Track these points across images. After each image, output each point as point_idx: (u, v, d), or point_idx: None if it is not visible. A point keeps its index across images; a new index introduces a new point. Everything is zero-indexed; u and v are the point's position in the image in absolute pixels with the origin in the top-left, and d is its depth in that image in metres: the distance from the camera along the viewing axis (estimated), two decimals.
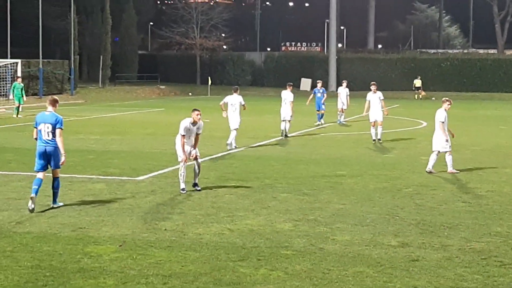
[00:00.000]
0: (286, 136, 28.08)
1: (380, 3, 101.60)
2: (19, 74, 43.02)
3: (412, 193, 15.81)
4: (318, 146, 25.33)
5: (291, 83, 29.23)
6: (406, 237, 11.75)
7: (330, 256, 10.58)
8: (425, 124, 34.93)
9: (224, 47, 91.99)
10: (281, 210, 13.79)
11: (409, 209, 14.03)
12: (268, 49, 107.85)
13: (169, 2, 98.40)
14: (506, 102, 61.35)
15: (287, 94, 28.11)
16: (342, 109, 35.33)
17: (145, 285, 9.13)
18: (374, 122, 26.64)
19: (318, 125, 33.96)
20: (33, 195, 13.50)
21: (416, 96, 65.89)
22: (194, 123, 15.80)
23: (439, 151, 18.82)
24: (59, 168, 14.11)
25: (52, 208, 13.92)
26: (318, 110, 34.79)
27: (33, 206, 13.37)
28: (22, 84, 38.81)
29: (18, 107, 37.59)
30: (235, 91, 24.50)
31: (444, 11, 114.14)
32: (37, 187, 13.69)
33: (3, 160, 20.73)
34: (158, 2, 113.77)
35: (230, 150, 23.13)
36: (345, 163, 20.75)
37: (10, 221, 12.63)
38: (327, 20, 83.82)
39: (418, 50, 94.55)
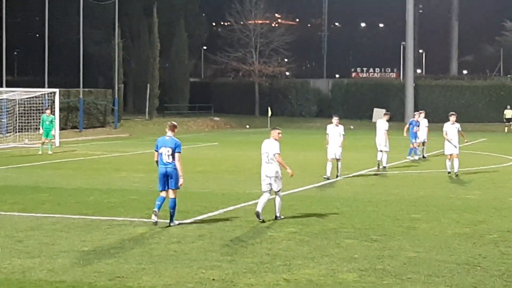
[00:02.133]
0: (383, 167, 29.89)
1: (465, 23, 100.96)
2: (47, 105, 43.56)
3: (497, 239, 15.60)
4: (389, 186, 25.20)
5: (388, 112, 32.27)
6: None
7: None
8: None
9: (286, 73, 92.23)
10: (345, 258, 13.74)
11: (492, 258, 13.85)
12: (337, 75, 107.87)
13: (225, 24, 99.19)
14: None
15: (382, 123, 30.51)
16: (421, 143, 35.33)
17: None
18: (451, 155, 27.79)
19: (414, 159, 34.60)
20: (156, 209, 16.97)
21: (506, 128, 64.97)
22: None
23: None
24: (178, 188, 17.22)
25: (169, 226, 16.88)
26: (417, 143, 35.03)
27: (156, 219, 16.85)
28: (53, 116, 39.01)
29: (46, 142, 37.57)
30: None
31: None
32: (160, 203, 17.07)
33: (37, 200, 21.13)
34: (213, 24, 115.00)
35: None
36: (419, 205, 20.58)
37: (41, 269, 12.86)
38: (403, 43, 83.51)
39: (508, 76, 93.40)
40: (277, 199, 18.01)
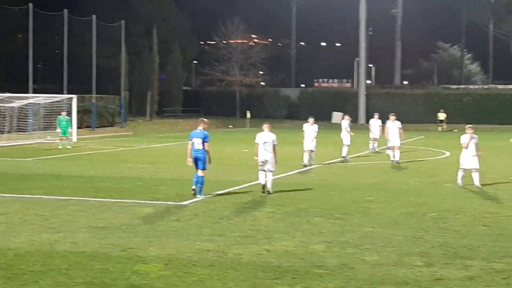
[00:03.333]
0: (343, 157, 30.68)
1: (406, 42, 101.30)
2: (64, 108, 43.74)
3: (436, 217, 15.68)
4: (349, 174, 25.28)
5: (348, 114, 33.68)
6: (430, 257, 11.66)
7: (359, 275, 10.53)
8: (448, 154, 34.60)
9: (262, 83, 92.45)
10: (314, 233, 13.77)
11: (433, 232, 13.92)
12: (302, 85, 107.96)
13: (212, 43, 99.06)
14: None
15: (344, 123, 31.99)
16: (374, 138, 35.32)
17: None
18: (393, 146, 29.25)
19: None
20: (194, 186, 18.29)
21: (439, 128, 65.33)
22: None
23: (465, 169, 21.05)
24: (205, 169, 18.43)
25: (196, 197, 18.13)
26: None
27: (193, 193, 18.17)
28: (68, 117, 39.09)
29: (65, 138, 37.76)
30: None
31: (465, 50, 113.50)
32: (196, 179, 18.30)
33: (59, 186, 20.99)
34: (202, 42, 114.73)
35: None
36: (373, 189, 20.65)
37: (65, 242, 12.77)
38: (357, 59, 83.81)
39: (441, 86, 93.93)
40: (270, 177, 19.41)
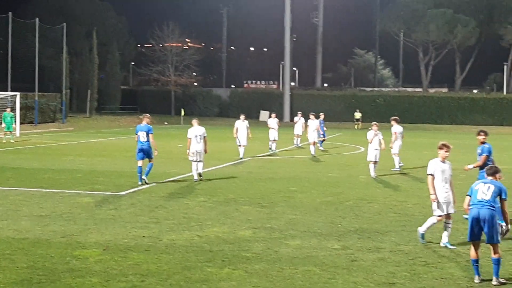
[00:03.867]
0: (271, 150, 31.91)
1: (326, 49, 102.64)
2: (9, 105, 42.79)
3: (352, 205, 15.94)
4: (275, 167, 25.42)
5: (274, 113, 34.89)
6: (347, 241, 11.86)
7: (283, 257, 10.62)
8: (362, 149, 35.17)
9: (195, 83, 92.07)
10: (242, 220, 13.80)
11: (349, 218, 14.15)
12: (233, 86, 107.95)
13: (148, 45, 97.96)
14: (430, 131, 62.17)
15: (271, 121, 33.02)
16: (297, 134, 35.57)
17: (125, 283, 9.06)
18: (314, 142, 30.86)
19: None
20: (144, 177, 18.75)
21: (356, 126, 66.44)
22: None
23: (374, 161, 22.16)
24: (152, 158, 19.03)
25: (144, 180, 18.73)
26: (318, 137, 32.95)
27: (140, 182, 18.65)
28: (12, 113, 38.29)
29: (9, 133, 37.04)
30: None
31: (379, 56, 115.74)
32: (139, 172, 18.71)
33: (3, 177, 20.38)
34: (139, 45, 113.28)
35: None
36: (296, 180, 20.84)
37: (9, 229, 12.44)
38: (282, 62, 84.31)
39: (357, 88, 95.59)
40: (201, 166, 20.16)
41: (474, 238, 9.40)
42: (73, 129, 55.04)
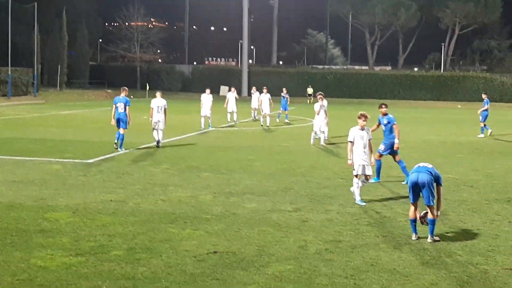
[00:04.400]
0: (235, 121, 31.87)
1: (282, 29, 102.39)
2: None
3: (304, 172, 16.06)
4: (233, 138, 25.39)
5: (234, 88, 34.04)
6: (298, 204, 11.95)
7: (240, 219, 10.66)
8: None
9: (159, 60, 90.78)
10: (203, 186, 13.78)
11: (301, 184, 14.26)
12: (195, 62, 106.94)
13: (115, 24, 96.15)
14: (373, 106, 62.56)
15: (231, 95, 32.37)
16: (254, 108, 35.46)
17: (93, 242, 8.99)
18: (264, 114, 31.42)
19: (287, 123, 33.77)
20: (116, 141, 19.44)
21: (308, 100, 66.64)
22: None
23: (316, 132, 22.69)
24: (126, 128, 19.56)
25: (117, 149, 19.20)
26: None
27: (116, 147, 19.37)
28: None
29: None
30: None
31: (329, 36, 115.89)
32: (118, 136, 19.43)
33: None
34: (106, 24, 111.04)
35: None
36: (253, 150, 20.87)
37: None
38: (240, 41, 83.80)
39: (310, 66, 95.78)
40: (161, 134, 20.68)
41: (415, 200, 9.57)
42: (44, 102, 53.93)
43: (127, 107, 19.49)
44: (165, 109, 20.60)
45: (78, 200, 11.87)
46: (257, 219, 10.68)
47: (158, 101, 20.59)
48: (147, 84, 69.58)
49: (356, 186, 12.16)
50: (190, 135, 25.61)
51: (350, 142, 12.20)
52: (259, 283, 7.40)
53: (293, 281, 7.49)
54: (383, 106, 15.24)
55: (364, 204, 11.94)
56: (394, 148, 14.70)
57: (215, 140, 24.17)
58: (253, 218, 10.75)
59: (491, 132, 27.80)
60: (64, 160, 17.24)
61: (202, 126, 27.96)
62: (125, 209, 11.16)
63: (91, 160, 17.24)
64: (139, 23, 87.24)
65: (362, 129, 12.22)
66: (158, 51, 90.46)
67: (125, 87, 20.51)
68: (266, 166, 17.10)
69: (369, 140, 12.27)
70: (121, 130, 19.42)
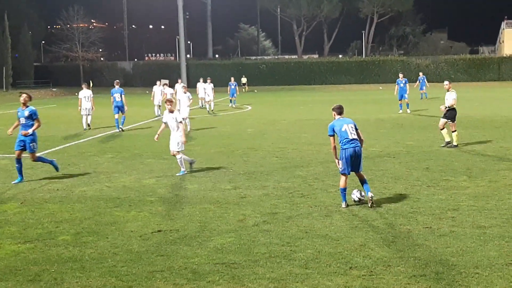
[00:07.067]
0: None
1: (215, 24, 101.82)
2: None
3: (241, 153, 16.00)
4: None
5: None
6: (237, 182, 11.88)
7: (183, 199, 10.51)
8: (249, 108, 35.41)
9: (102, 58, 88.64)
10: (146, 171, 13.53)
11: (239, 164, 14.19)
12: (135, 59, 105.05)
13: (57, 26, 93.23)
14: (303, 91, 63.31)
15: (157, 89, 31.48)
16: (203, 98, 34.53)
17: (41, 229, 8.65)
18: (208, 101, 32.16)
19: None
20: (121, 126, 22.18)
21: (243, 89, 66.54)
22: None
23: None
24: (124, 112, 22.07)
25: (121, 128, 22.10)
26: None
27: (121, 130, 21.98)
28: None
29: None
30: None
31: (260, 30, 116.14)
32: (116, 122, 22.26)
33: None
34: (49, 26, 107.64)
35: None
36: (194, 136, 20.64)
37: None
38: (178, 37, 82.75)
39: (243, 57, 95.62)
40: (89, 118, 23.32)
41: (349, 172, 9.60)
42: None
43: (122, 96, 22.36)
44: (92, 97, 23.40)
45: (26, 191, 11.43)
46: (198, 198, 10.55)
47: (85, 92, 23.49)
48: (91, 81, 67.80)
49: (181, 163, 13.06)
50: (134, 125, 25.08)
51: (164, 123, 13.24)
52: (202, 256, 7.29)
53: (234, 252, 7.42)
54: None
55: (183, 172, 12.95)
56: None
57: (157, 128, 23.67)
58: (195, 197, 10.61)
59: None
60: (12, 155, 16.53)
61: (157, 113, 29.72)
62: (72, 197, 10.82)
63: (38, 154, 16.57)
64: (80, 24, 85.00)
65: (172, 112, 13.11)
66: (100, 50, 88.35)
67: (118, 80, 23.93)
68: (206, 149, 16.94)
69: (176, 124, 13.20)
70: (117, 115, 22.15)
